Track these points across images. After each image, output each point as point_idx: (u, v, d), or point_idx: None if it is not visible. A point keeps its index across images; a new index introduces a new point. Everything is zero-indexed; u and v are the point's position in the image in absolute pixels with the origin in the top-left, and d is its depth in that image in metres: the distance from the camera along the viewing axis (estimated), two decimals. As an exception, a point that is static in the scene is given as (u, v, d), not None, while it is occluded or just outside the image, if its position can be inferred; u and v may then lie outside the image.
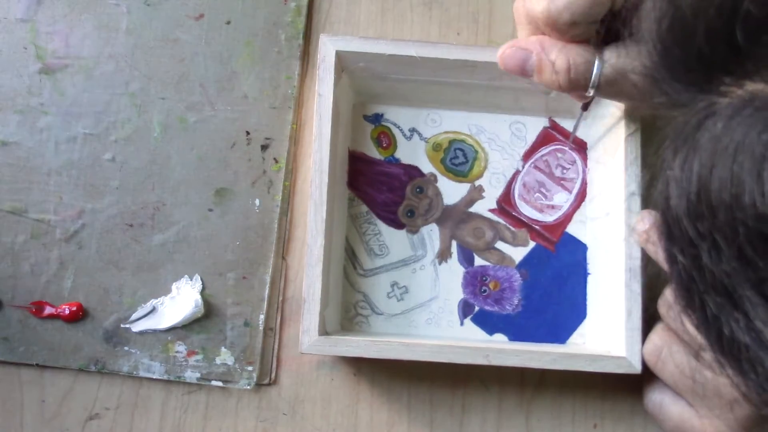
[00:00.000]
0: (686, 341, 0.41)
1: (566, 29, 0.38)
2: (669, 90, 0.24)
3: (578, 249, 0.49)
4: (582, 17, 0.37)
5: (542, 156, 0.50)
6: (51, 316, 0.47)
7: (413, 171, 0.49)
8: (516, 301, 0.48)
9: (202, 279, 0.48)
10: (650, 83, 0.25)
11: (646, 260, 0.42)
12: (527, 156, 0.50)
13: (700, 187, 0.22)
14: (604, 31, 0.39)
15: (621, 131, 0.45)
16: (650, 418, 0.45)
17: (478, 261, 0.49)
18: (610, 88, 0.39)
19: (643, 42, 0.24)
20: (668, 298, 0.42)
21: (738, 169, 0.21)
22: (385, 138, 0.50)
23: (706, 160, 0.22)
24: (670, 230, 0.23)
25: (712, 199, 0.22)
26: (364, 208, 0.49)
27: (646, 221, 0.42)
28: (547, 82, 0.40)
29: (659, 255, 0.40)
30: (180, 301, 0.47)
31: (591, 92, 0.39)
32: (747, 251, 0.21)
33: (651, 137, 0.49)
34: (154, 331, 0.47)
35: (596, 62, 0.38)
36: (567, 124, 0.50)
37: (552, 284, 0.48)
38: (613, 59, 0.38)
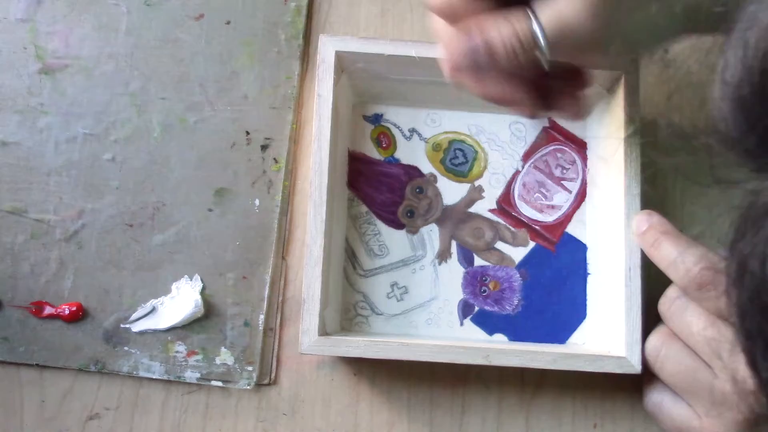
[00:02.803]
0: (686, 341, 0.41)
1: (467, 6, 0.36)
2: (751, 160, 0.22)
3: (578, 249, 0.49)
4: None
5: (542, 156, 0.50)
6: (51, 316, 0.47)
7: (413, 171, 0.49)
8: (516, 301, 0.48)
9: (202, 279, 0.48)
10: (725, 152, 0.23)
11: (646, 261, 0.42)
12: (527, 156, 0.50)
13: None
14: None
15: (621, 131, 0.45)
16: (650, 418, 0.45)
17: (478, 261, 0.49)
18: (560, 40, 0.36)
19: (725, 116, 0.23)
20: (668, 298, 0.42)
21: None
22: (384, 138, 0.50)
23: None
24: (763, 307, 0.22)
25: None
26: (364, 208, 0.49)
27: (645, 222, 0.42)
28: (503, 61, 0.36)
29: (660, 258, 0.41)
30: (180, 301, 0.47)
31: (546, 51, 0.36)
32: None
33: (650, 137, 0.49)
34: (154, 331, 0.47)
35: (534, 21, 0.35)
36: (567, 125, 0.50)
37: (552, 284, 0.48)
38: (547, 12, 0.35)
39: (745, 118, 0.22)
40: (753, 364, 0.23)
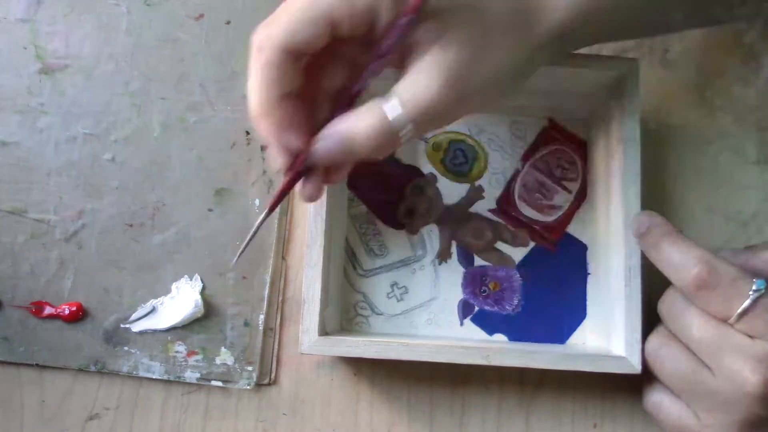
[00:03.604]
0: (685, 342, 0.41)
1: (294, 57, 0.35)
2: None
3: (578, 249, 0.49)
4: (298, 42, 0.35)
5: (542, 156, 0.50)
6: (51, 316, 0.47)
7: (413, 171, 0.49)
8: (516, 301, 0.48)
9: (202, 279, 0.48)
10: None
11: (646, 262, 0.42)
12: (527, 156, 0.50)
13: None
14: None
15: (620, 131, 0.45)
16: (650, 418, 0.45)
17: (478, 261, 0.49)
18: (422, 119, 0.36)
19: None
20: (668, 299, 0.42)
21: None
22: (385, 138, 0.49)
23: None
24: None
25: None
26: (364, 208, 0.49)
27: (645, 223, 0.42)
28: (365, 154, 0.36)
29: (660, 259, 0.41)
30: (180, 301, 0.47)
31: (408, 134, 0.36)
32: None
33: (652, 138, 0.49)
34: (154, 331, 0.47)
35: (392, 107, 0.35)
36: (567, 124, 0.50)
37: (552, 284, 0.48)
38: (404, 95, 0.35)
39: None
40: None
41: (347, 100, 0.38)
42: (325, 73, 0.38)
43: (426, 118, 0.36)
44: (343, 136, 0.36)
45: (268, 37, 0.35)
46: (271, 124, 0.36)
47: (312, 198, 0.38)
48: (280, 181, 0.39)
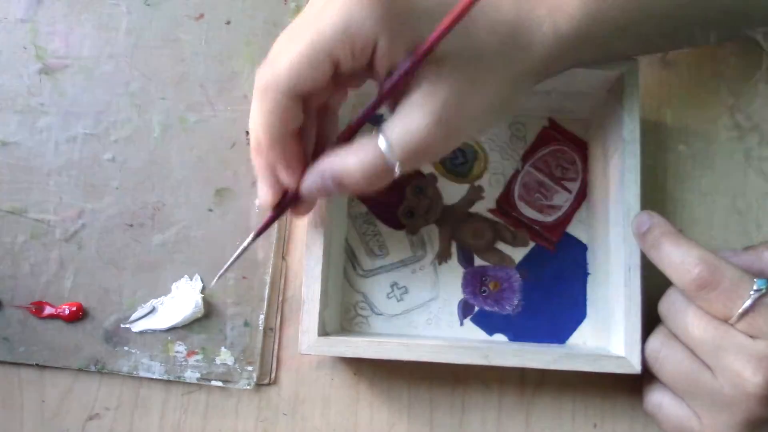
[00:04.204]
0: (686, 343, 0.41)
1: (299, 99, 0.36)
2: None
3: (578, 249, 0.49)
4: (301, 84, 0.35)
5: (542, 156, 0.50)
6: (51, 316, 0.47)
7: (413, 171, 0.49)
8: (516, 301, 0.48)
9: (202, 279, 0.48)
10: None
11: (646, 262, 0.42)
12: (527, 156, 0.50)
13: None
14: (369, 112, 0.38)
15: (620, 131, 0.45)
16: (650, 419, 0.45)
17: (478, 261, 0.49)
18: (411, 155, 0.36)
19: None
20: (668, 299, 0.42)
21: None
22: (385, 138, 0.50)
23: None
24: None
25: None
26: (364, 208, 0.49)
27: (645, 223, 0.42)
28: (357, 189, 0.38)
29: (660, 259, 0.41)
30: (180, 301, 0.47)
31: (397, 171, 0.37)
32: None
33: (652, 137, 0.49)
34: (154, 331, 0.47)
35: (383, 143, 0.36)
36: (567, 125, 0.50)
37: (552, 284, 0.48)
38: (395, 130, 0.36)
39: None
40: None
41: (347, 134, 0.39)
42: (320, 102, 0.39)
43: (416, 156, 0.37)
44: (336, 172, 0.37)
45: (274, 79, 0.36)
46: (269, 162, 0.38)
47: (299, 217, 0.40)
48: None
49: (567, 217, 0.49)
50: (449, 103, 0.36)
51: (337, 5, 0.35)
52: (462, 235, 0.49)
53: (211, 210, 0.48)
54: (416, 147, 0.36)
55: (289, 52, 0.35)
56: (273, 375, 0.47)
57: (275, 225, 0.48)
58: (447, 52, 0.36)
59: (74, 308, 0.47)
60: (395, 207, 0.49)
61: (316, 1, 0.36)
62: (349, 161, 0.37)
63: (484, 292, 0.48)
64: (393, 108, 0.37)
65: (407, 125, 0.36)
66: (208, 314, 0.47)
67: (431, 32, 0.34)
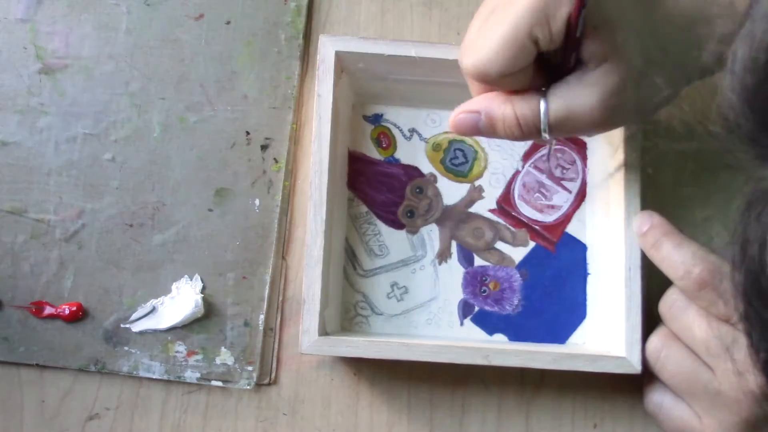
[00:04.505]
0: (686, 343, 0.41)
1: (499, 81, 0.38)
2: (758, 147, 0.23)
3: (578, 249, 0.49)
4: (509, 68, 0.37)
5: (542, 156, 0.50)
6: (51, 316, 0.47)
7: (413, 171, 0.49)
8: (516, 301, 0.48)
9: (202, 279, 0.48)
10: (731, 139, 0.24)
11: (646, 262, 0.42)
12: (527, 156, 0.50)
13: None
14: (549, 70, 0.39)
15: (621, 132, 0.45)
16: (650, 419, 0.45)
17: (478, 261, 0.49)
18: (563, 127, 0.38)
19: (731, 101, 0.24)
20: (669, 299, 0.42)
21: None
22: (384, 138, 0.50)
23: None
24: (763, 293, 0.23)
25: None
26: (364, 208, 0.49)
27: (645, 223, 0.42)
28: (502, 137, 0.40)
29: (661, 259, 0.41)
30: (180, 301, 0.47)
31: (546, 136, 0.39)
32: None
33: (651, 138, 0.49)
34: (154, 331, 0.47)
35: (542, 107, 0.38)
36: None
37: (552, 284, 0.48)
38: (558, 100, 0.38)
39: (750, 106, 0.23)
40: (751, 346, 0.24)
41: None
42: None
43: (568, 129, 0.38)
44: (492, 115, 0.39)
45: (484, 70, 0.37)
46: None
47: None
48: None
49: (567, 217, 0.49)
50: (620, 89, 0.37)
51: None
52: (462, 235, 0.49)
53: (211, 210, 0.48)
54: (573, 122, 0.37)
55: (488, 39, 0.36)
56: (273, 375, 0.47)
57: (275, 225, 0.48)
58: (631, 41, 0.36)
59: (74, 308, 0.47)
60: (395, 207, 0.49)
61: None
62: (506, 110, 0.38)
63: (484, 292, 0.48)
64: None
65: (573, 99, 0.37)
66: (208, 314, 0.47)
67: None
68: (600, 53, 0.36)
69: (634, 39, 0.36)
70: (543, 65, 0.39)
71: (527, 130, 0.38)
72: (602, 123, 0.38)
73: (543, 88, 0.38)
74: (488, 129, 0.39)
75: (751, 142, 0.23)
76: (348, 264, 0.48)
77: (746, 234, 0.23)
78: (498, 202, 0.49)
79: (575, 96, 0.37)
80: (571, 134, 0.42)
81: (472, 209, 0.49)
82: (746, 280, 0.24)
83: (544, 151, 0.49)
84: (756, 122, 0.23)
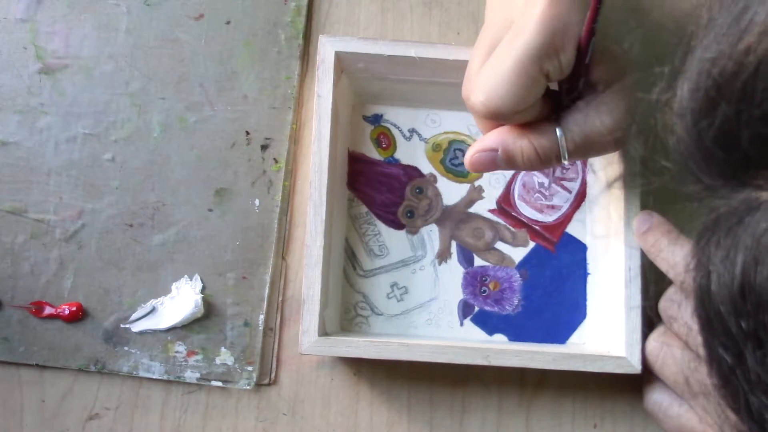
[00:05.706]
0: (686, 343, 0.41)
1: (512, 117, 0.38)
2: (705, 180, 0.23)
3: (578, 249, 0.49)
4: (521, 104, 0.37)
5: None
6: (51, 316, 0.47)
7: (413, 171, 0.49)
8: (516, 302, 0.48)
9: (202, 279, 0.48)
10: (683, 171, 0.24)
11: (646, 262, 0.42)
12: (527, 156, 0.50)
13: (744, 284, 0.21)
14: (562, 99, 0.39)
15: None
16: (650, 418, 0.45)
17: (478, 261, 0.49)
18: (582, 151, 0.39)
19: (678, 138, 0.24)
20: (668, 299, 0.42)
21: None
22: (384, 138, 0.50)
23: (749, 258, 0.21)
24: (710, 322, 0.23)
25: (756, 297, 0.21)
26: (364, 208, 0.49)
27: (645, 223, 0.42)
28: (522, 169, 0.40)
29: (661, 259, 0.41)
30: (180, 301, 0.47)
31: (566, 163, 0.39)
32: None
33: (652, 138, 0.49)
34: (154, 331, 0.47)
35: (559, 136, 0.38)
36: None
37: (552, 284, 0.48)
38: (574, 127, 0.38)
39: (693, 142, 0.23)
40: (709, 368, 0.24)
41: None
42: None
43: (588, 152, 0.39)
44: (509, 150, 0.39)
45: (496, 109, 0.37)
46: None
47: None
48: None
49: (567, 217, 0.49)
50: (632, 108, 0.36)
51: (538, 7, 0.35)
52: (462, 235, 0.49)
53: (211, 210, 0.48)
54: (592, 146, 0.38)
55: (498, 75, 0.36)
56: (273, 375, 0.47)
57: (275, 225, 0.48)
58: (626, 61, 0.37)
59: (74, 308, 0.47)
60: (395, 207, 0.49)
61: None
62: (523, 143, 0.38)
63: (484, 292, 0.48)
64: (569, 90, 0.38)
65: (588, 123, 0.37)
66: (208, 314, 0.47)
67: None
68: (608, 76, 0.37)
69: (635, 51, 0.37)
70: (548, 93, 0.39)
71: (547, 159, 0.39)
72: (619, 142, 0.38)
73: (554, 115, 0.38)
74: (507, 164, 0.40)
75: (698, 177, 0.24)
76: (348, 264, 0.48)
77: (697, 263, 0.23)
78: (498, 203, 0.49)
79: (589, 120, 0.37)
80: (591, 156, 0.42)
81: (472, 209, 0.49)
82: (696, 308, 0.23)
83: None
84: (700, 157, 0.23)
